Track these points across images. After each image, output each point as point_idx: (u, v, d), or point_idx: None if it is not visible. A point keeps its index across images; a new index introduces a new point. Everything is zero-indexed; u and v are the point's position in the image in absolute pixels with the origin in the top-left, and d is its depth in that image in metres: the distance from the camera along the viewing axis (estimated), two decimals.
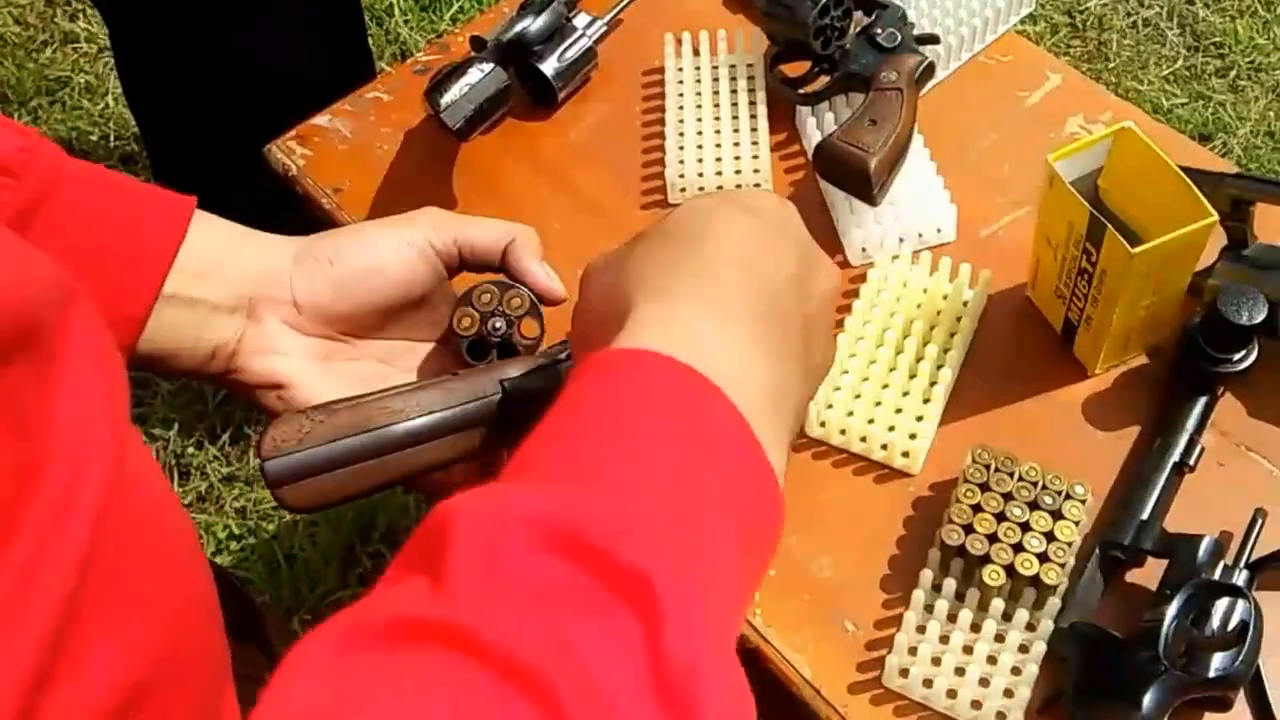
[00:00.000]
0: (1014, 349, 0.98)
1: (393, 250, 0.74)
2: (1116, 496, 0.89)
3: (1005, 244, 1.03)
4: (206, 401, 2.04)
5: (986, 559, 0.83)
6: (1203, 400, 0.91)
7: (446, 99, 1.02)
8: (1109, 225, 0.85)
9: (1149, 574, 0.85)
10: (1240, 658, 0.78)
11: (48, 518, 0.42)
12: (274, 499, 0.67)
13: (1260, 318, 0.88)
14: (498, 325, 0.75)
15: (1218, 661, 0.78)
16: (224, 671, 0.56)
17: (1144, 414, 0.94)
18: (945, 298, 0.98)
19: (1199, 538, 0.83)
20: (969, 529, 0.84)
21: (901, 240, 1.03)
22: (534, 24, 1.11)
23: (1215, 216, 0.86)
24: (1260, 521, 0.85)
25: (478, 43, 1.11)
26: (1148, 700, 0.76)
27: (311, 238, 0.76)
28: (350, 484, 0.67)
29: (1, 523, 0.40)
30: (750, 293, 0.54)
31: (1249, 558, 0.84)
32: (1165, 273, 0.89)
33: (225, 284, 0.73)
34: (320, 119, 1.16)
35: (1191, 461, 0.88)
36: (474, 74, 1.04)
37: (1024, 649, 0.82)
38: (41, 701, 0.40)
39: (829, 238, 1.04)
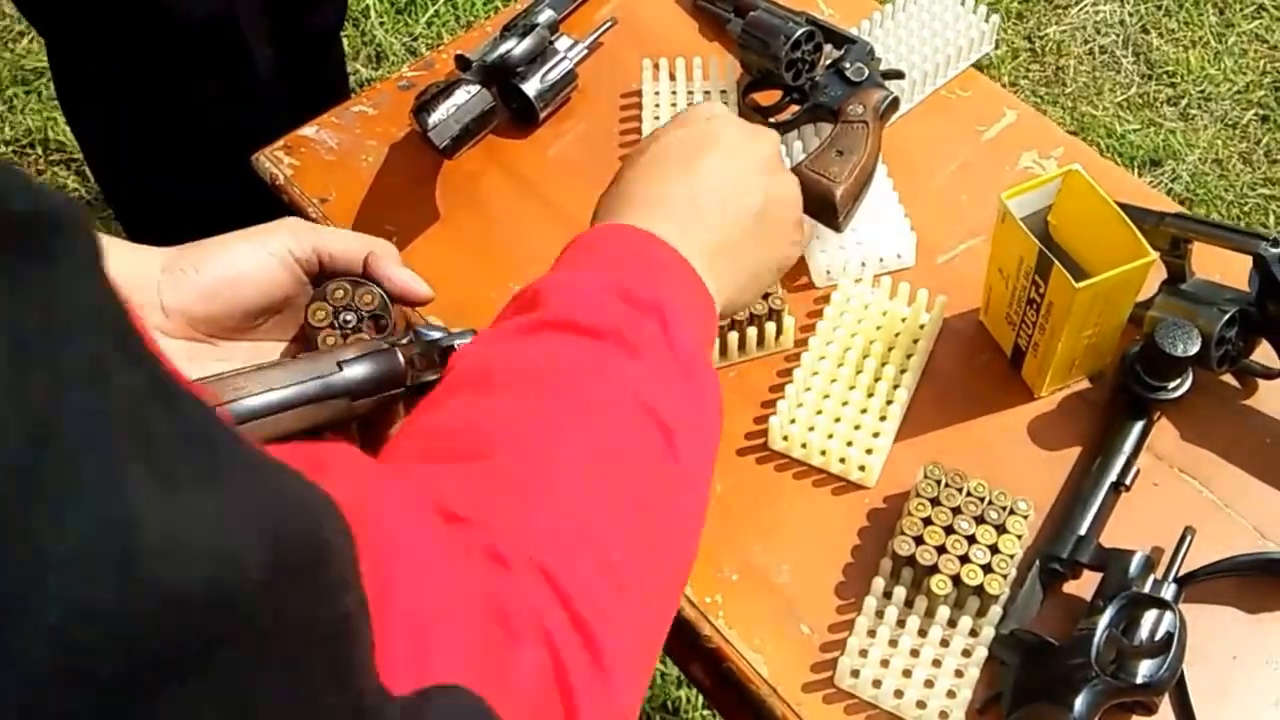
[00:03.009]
0: (966, 371, 1.04)
1: (254, 259, 0.79)
2: (1057, 512, 0.95)
3: (961, 271, 1.09)
4: None
5: (934, 569, 0.88)
6: (1140, 424, 0.96)
7: (434, 119, 1.07)
8: (1056, 261, 0.91)
9: (1085, 585, 0.91)
10: (1166, 666, 0.83)
11: None
12: None
13: (1194, 350, 0.93)
14: (348, 318, 0.81)
15: (1145, 669, 0.83)
16: None
17: (1085, 435, 1.00)
18: (903, 320, 1.04)
19: (1131, 553, 0.88)
20: (919, 540, 0.89)
21: (864, 265, 1.08)
22: (518, 46, 1.16)
23: (1154, 255, 0.92)
24: (1189, 539, 0.91)
25: (463, 62, 1.16)
26: (1079, 703, 0.81)
27: (179, 248, 0.80)
28: None
29: None
30: (714, 213, 0.80)
31: (1177, 572, 0.89)
32: (1107, 305, 0.95)
33: None
34: (307, 130, 1.20)
35: (1128, 481, 0.94)
36: (461, 95, 1.09)
37: (966, 653, 0.88)
38: None
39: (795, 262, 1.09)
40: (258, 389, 0.73)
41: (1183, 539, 0.91)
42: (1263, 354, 1.00)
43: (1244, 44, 2.51)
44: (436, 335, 0.82)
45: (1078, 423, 1.00)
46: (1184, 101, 2.43)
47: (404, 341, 0.80)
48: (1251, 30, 2.53)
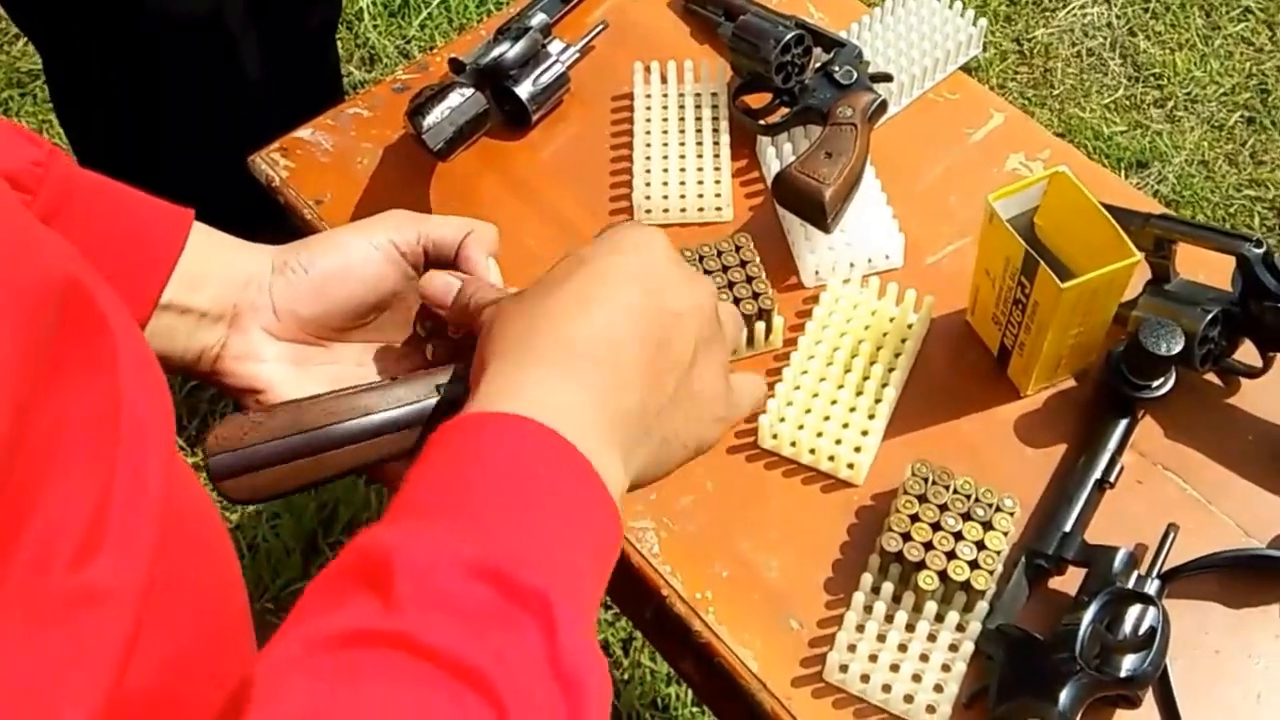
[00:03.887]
0: (953, 370, 1.05)
1: (361, 253, 0.78)
2: (1043, 509, 0.96)
3: (948, 271, 1.11)
4: (174, 391, 2.07)
5: (922, 565, 0.90)
6: (1124, 422, 0.98)
7: (429, 121, 1.08)
8: (1041, 262, 0.92)
9: (1070, 581, 0.92)
10: (1149, 660, 0.85)
11: (130, 512, 0.48)
12: (216, 490, 0.71)
13: (1177, 349, 0.95)
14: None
15: (1128, 663, 0.85)
16: (251, 643, 0.63)
17: (1070, 433, 1.01)
18: (891, 320, 1.05)
19: (1115, 549, 0.90)
20: (907, 537, 0.91)
21: (852, 265, 1.10)
22: (511, 50, 1.17)
23: (1138, 256, 0.93)
24: (1172, 536, 0.92)
25: (456, 65, 1.17)
26: (1064, 697, 0.83)
27: (286, 246, 0.80)
28: (287, 480, 0.71)
29: (94, 536, 0.46)
30: (605, 366, 0.62)
31: (1160, 568, 0.91)
32: (1092, 305, 0.96)
33: (213, 292, 0.76)
34: (303, 132, 1.21)
35: (1112, 479, 0.96)
36: (455, 98, 1.10)
37: (954, 648, 0.89)
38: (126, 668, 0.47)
39: (785, 261, 1.11)
40: (350, 415, 0.71)
41: (1166, 536, 0.92)
42: (1245, 353, 1.01)
43: (1230, 46, 2.53)
44: None
45: (1063, 421, 1.02)
46: (1170, 104, 2.45)
47: None
48: (1237, 33, 2.55)
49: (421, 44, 2.55)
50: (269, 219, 1.22)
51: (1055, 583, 0.93)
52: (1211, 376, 1.03)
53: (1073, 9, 2.61)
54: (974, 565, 0.90)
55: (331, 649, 0.49)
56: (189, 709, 0.54)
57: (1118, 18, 2.59)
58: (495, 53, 1.17)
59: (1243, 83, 2.47)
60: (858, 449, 0.98)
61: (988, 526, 0.91)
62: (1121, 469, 0.97)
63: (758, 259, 1.05)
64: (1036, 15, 2.60)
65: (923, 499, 0.92)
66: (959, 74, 1.25)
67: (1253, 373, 1.01)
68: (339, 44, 1.97)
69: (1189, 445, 1.00)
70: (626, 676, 1.80)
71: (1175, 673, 0.88)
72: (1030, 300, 0.96)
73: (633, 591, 0.97)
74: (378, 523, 0.55)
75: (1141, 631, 0.86)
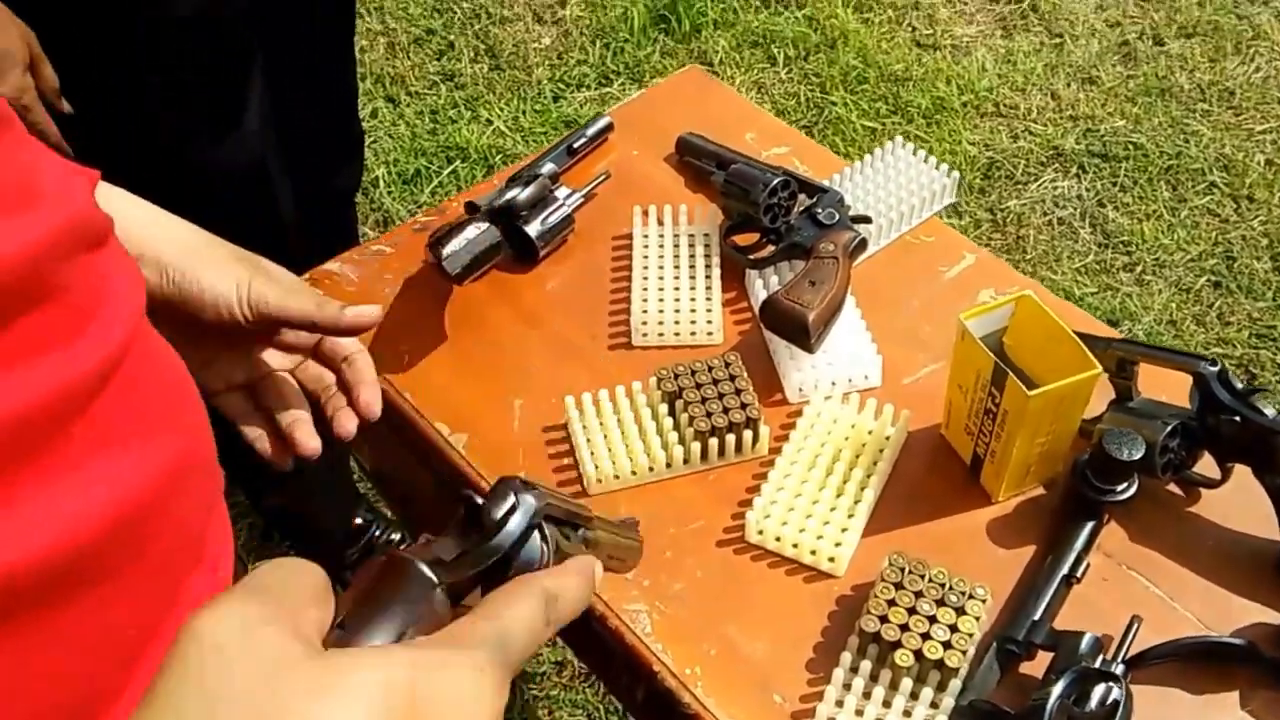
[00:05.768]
0: (929, 477, 1.12)
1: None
2: (1013, 600, 1.02)
3: (924, 390, 1.19)
4: None
5: (898, 644, 0.96)
6: (1090, 524, 1.05)
7: (448, 249, 1.18)
8: (1010, 372, 1.01)
9: (1039, 666, 0.97)
10: None
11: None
12: None
13: (1139, 455, 1.02)
14: None
15: None
16: (218, 487, 0.74)
17: (1039, 537, 1.08)
18: (870, 432, 1.13)
19: (1082, 634, 0.95)
20: (884, 619, 0.97)
21: (834, 384, 1.18)
22: (522, 193, 1.28)
23: (1099, 369, 1.01)
24: (1136, 626, 0.98)
25: (471, 208, 1.28)
26: None
27: (252, 255, 0.93)
28: None
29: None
30: None
31: (1125, 654, 0.96)
32: (1058, 414, 1.04)
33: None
34: (330, 265, 1.31)
35: (1079, 574, 1.02)
36: (472, 230, 1.20)
37: None
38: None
39: (771, 379, 1.19)
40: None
41: (1130, 625, 0.98)
42: (1206, 467, 1.08)
43: (1196, 217, 2.67)
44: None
45: (1033, 525, 1.09)
46: (1139, 268, 2.57)
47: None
48: (1203, 205, 2.69)
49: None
50: None
51: (1025, 668, 0.99)
52: (1174, 488, 1.10)
53: (1043, 182, 2.75)
54: (947, 645, 0.95)
55: None
56: (153, 534, 0.63)
57: (1087, 190, 2.73)
58: (508, 195, 1.28)
59: (1209, 250, 2.60)
60: (838, 544, 1.05)
61: (960, 611, 0.97)
62: (1087, 566, 1.02)
63: (745, 374, 1.14)
64: (1009, 188, 2.75)
65: (899, 586, 0.99)
66: (934, 220, 1.36)
67: (1212, 484, 1.08)
68: (356, 207, 2.09)
69: (1152, 548, 1.06)
70: None
71: None
72: (1000, 409, 1.04)
73: (626, 671, 1.02)
74: None
75: (1107, 706, 0.91)
